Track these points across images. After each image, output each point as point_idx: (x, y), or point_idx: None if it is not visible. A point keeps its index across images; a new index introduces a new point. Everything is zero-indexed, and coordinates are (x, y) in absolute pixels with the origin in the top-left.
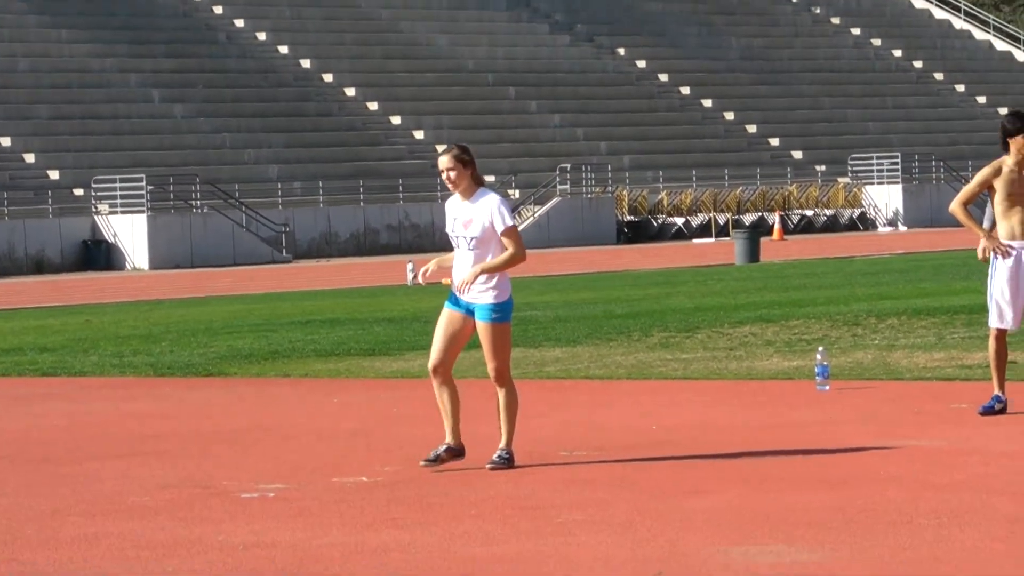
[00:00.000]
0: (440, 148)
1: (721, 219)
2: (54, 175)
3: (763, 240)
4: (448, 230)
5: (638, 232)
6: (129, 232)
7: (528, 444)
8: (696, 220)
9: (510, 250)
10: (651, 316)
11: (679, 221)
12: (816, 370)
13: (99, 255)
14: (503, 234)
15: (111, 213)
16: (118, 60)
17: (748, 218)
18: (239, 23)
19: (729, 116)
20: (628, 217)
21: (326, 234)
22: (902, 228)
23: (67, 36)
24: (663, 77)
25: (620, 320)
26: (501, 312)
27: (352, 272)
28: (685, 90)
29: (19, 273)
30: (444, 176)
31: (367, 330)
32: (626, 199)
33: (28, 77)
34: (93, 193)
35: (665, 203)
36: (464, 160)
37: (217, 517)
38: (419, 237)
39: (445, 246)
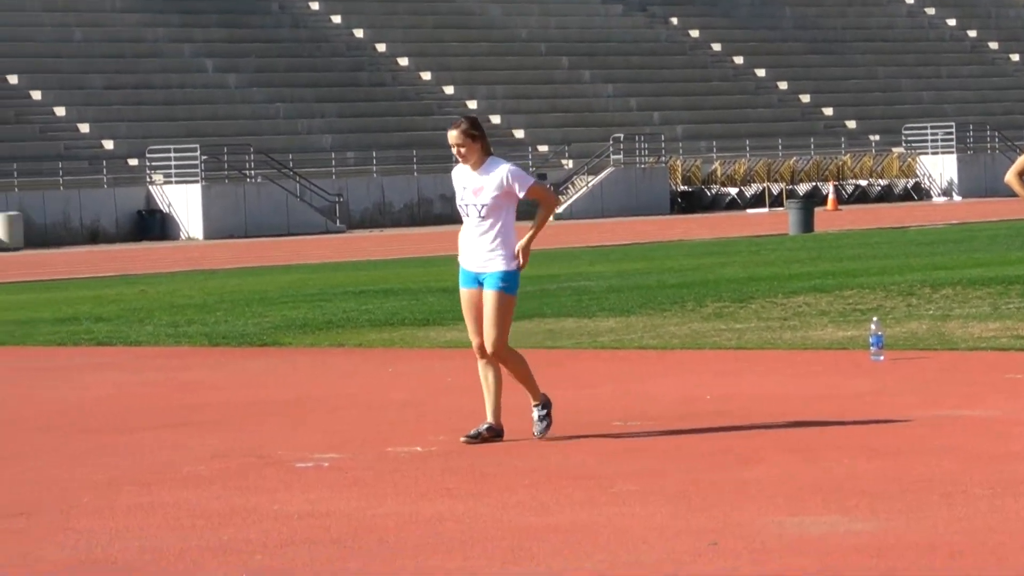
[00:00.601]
0: (495, 119)
1: (775, 189)
2: (108, 145)
3: (817, 210)
4: (458, 200)
5: (691, 202)
6: (183, 202)
7: (581, 414)
8: (750, 190)
9: (545, 203)
10: (705, 286)
11: (732, 191)
12: (870, 340)
13: (153, 225)
14: (530, 192)
15: (165, 183)
16: (171, 30)
17: (802, 188)
18: None
19: (783, 86)
20: (681, 187)
21: (380, 204)
22: (956, 198)
23: (120, 5)
24: (716, 47)
25: (674, 290)
26: (509, 282)
27: (406, 242)
28: (739, 59)
29: (74, 243)
30: (455, 151)
31: (421, 300)
32: (679, 169)
33: (82, 47)
34: (147, 163)
35: (718, 173)
36: (473, 135)
37: (272, 487)
38: None
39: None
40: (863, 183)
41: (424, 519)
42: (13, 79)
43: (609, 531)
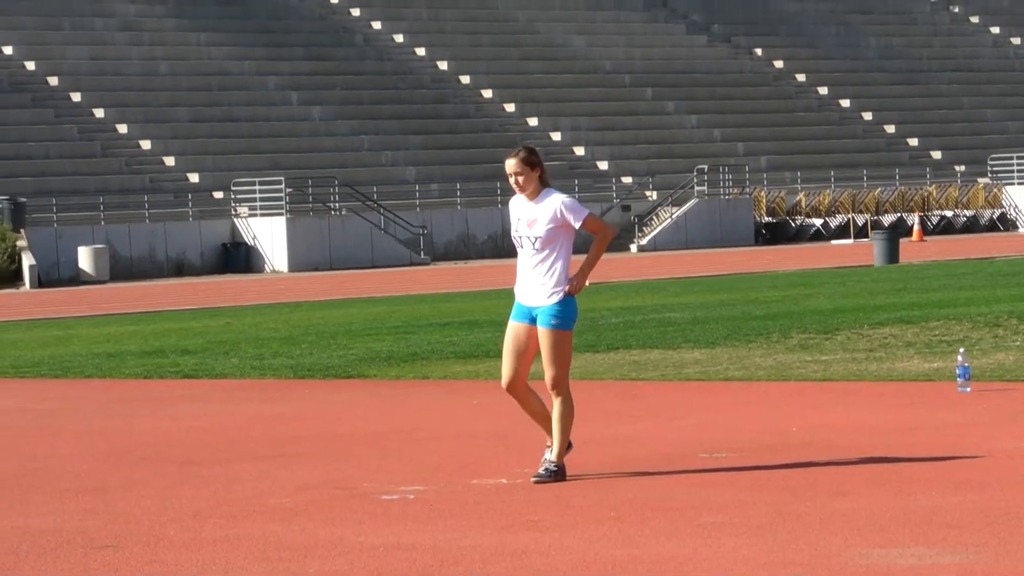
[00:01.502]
0: (579, 151)
1: (860, 220)
2: (194, 178)
3: (902, 241)
4: (512, 231)
5: (776, 233)
6: (268, 234)
7: (667, 446)
8: (834, 221)
9: (600, 234)
10: (790, 317)
11: (817, 222)
12: (957, 372)
13: (238, 257)
14: (585, 223)
15: (250, 216)
16: (256, 63)
17: (887, 219)
18: (376, 25)
19: (867, 116)
20: (766, 218)
21: (464, 236)
22: None
23: (206, 39)
24: (800, 77)
25: (759, 321)
26: (562, 318)
27: (490, 274)
28: (823, 90)
29: (160, 275)
30: (512, 180)
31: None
32: (764, 200)
33: (168, 80)
34: (232, 196)
35: (803, 204)
36: (531, 162)
37: (357, 518)
38: None
39: (583, 247)
40: (948, 214)
41: (509, 552)
42: (100, 113)
43: (695, 563)
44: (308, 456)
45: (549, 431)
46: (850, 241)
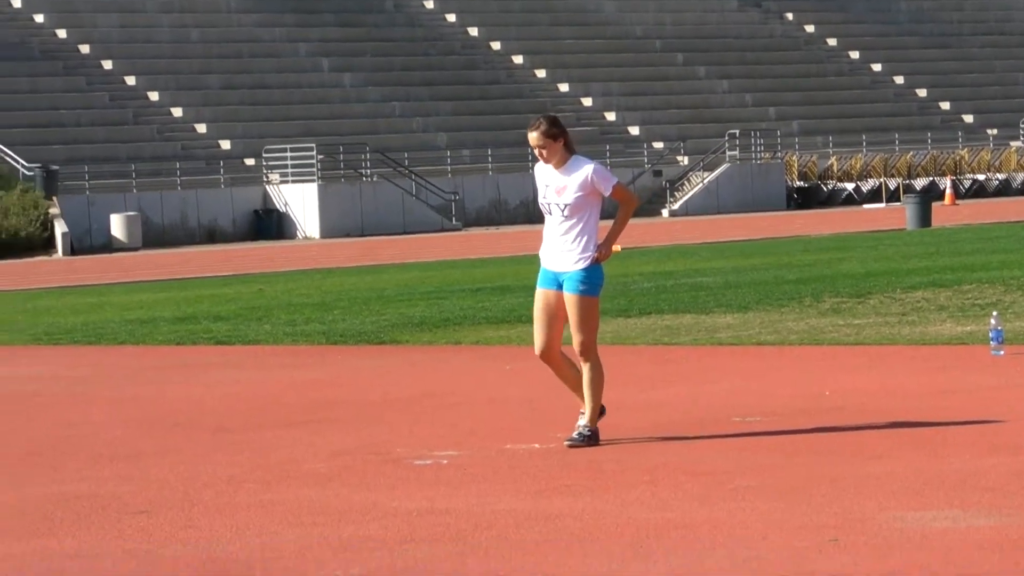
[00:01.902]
0: (610, 116)
1: (892, 184)
2: (225, 145)
3: (935, 205)
4: (540, 198)
5: (808, 198)
6: (300, 201)
7: (700, 410)
8: (866, 185)
9: (626, 202)
10: (822, 281)
11: (849, 186)
12: (990, 335)
13: (270, 224)
14: (614, 193)
15: (282, 182)
16: (287, 30)
17: (919, 183)
18: None
19: (899, 80)
20: (798, 183)
21: (495, 202)
22: None
23: (236, 6)
24: (832, 41)
25: (791, 286)
26: (589, 284)
27: (521, 239)
28: (854, 54)
29: (192, 242)
30: (536, 152)
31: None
32: (795, 165)
33: (199, 48)
34: (264, 163)
35: (835, 168)
36: (553, 134)
37: (391, 484)
38: None
39: (615, 212)
40: (981, 177)
41: (543, 516)
42: (131, 80)
43: (728, 527)
44: (341, 422)
45: (583, 397)
46: (882, 205)
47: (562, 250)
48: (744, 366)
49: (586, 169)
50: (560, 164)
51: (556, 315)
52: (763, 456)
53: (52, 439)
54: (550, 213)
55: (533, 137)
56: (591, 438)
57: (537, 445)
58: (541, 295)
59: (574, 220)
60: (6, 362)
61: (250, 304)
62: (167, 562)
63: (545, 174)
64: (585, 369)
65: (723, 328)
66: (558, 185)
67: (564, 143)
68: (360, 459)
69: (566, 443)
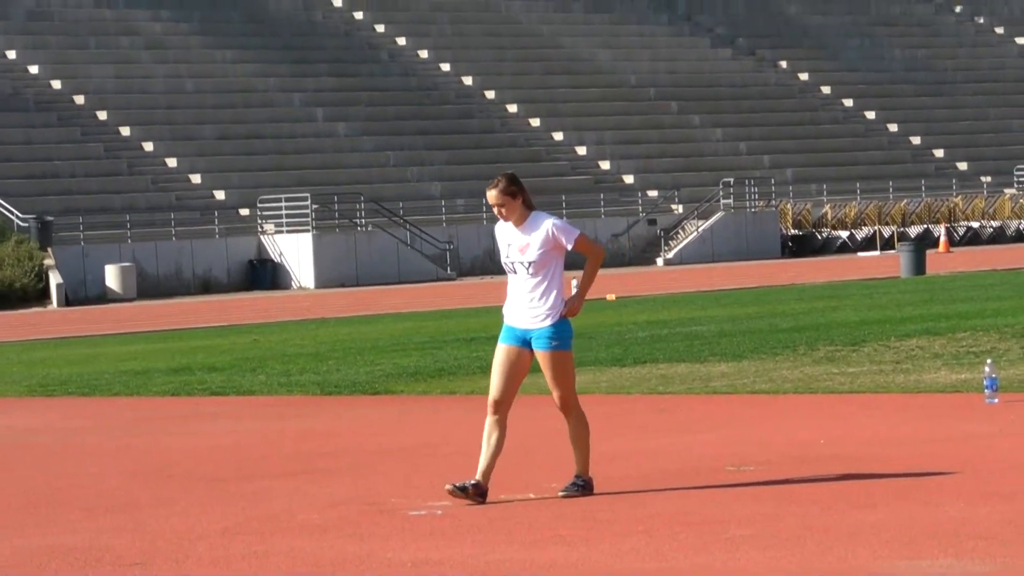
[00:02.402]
0: (604, 165)
1: (886, 232)
2: (220, 195)
3: (929, 252)
4: (503, 258)
5: (802, 245)
6: (295, 251)
7: (694, 460)
8: (861, 233)
9: (592, 254)
10: (816, 330)
11: (843, 234)
12: (985, 383)
13: (265, 274)
14: (576, 245)
15: (276, 232)
16: (281, 80)
17: (913, 230)
18: (401, 41)
19: (893, 128)
20: (792, 231)
21: (490, 251)
22: None
23: (231, 56)
24: (825, 89)
25: (785, 334)
26: (560, 339)
27: None
28: (848, 102)
29: (186, 293)
30: (496, 211)
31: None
32: (790, 213)
33: (193, 98)
34: (258, 213)
35: (829, 216)
36: (512, 191)
37: (385, 534)
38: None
39: (609, 261)
40: (975, 225)
41: (537, 566)
42: (126, 131)
43: None
44: (336, 472)
45: (484, 469)
46: (876, 253)
47: (528, 307)
48: (739, 415)
49: (546, 224)
50: (520, 221)
51: (518, 372)
52: (758, 505)
53: (47, 490)
54: (515, 272)
55: (492, 195)
56: (586, 488)
57: (532, 495)
58: (503, 350)
59: (540, 277)
60: (1, 413)
61: (245, 355)
62: None
63: (506, 233)
64: (570, 423)
65: (718, 377)
66: (520, 244)
67: (523, 200)
68: (355, 510)
69: (560, 494)
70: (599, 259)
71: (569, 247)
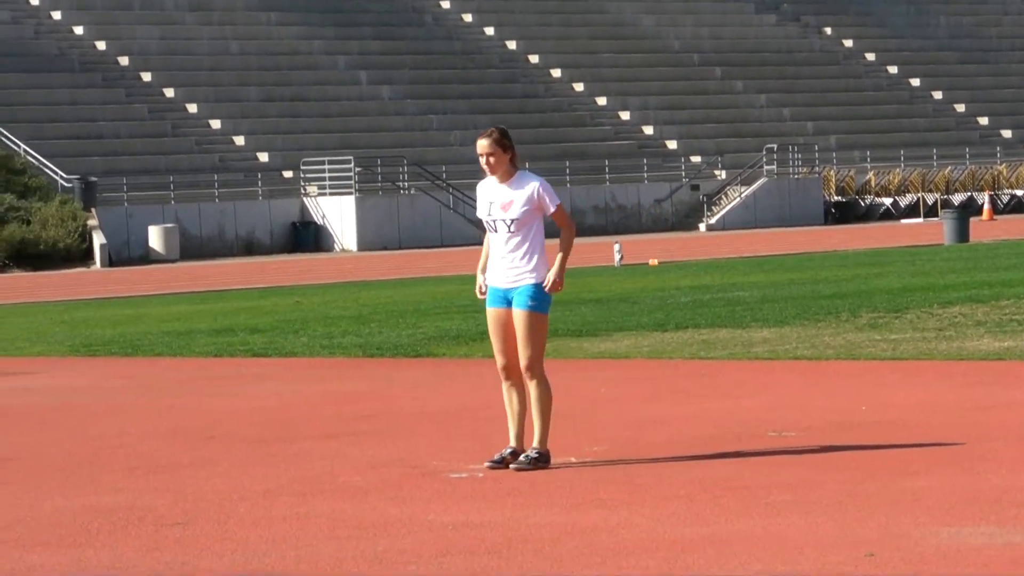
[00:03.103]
0: (648, 130)
1: (930, 199)
2: (263, 157)
3: (972, 220)
4: (483, 214)
5: (845, 212)
6: (337, 214)
7: (736, 425)
8: (904, 200)
9: (567, 228)
10: (859, 296)
11: (887, 201)
12: None
13: (308, 237)
14: (554, 214)
15: (319, 195)
16: (326, 43)
17: (957, 198)
18: (445, 5)
19: (937, 95)
20: (835, 197)
21: None
22: None
23: (276, 19)
24: (870, 56)
25: (828, 300)
26: (538, 300)
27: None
28: (893, 69)
29: (229, 255)
30: (484, 160)
31: (574, 311)
32: (833, 179)
33: (237, 60)
34: (302, 175)
35: (873, 183)
36: (504, 144)
37: (427, 497)
38: (626, 218)
39: (652, 226)
40: (1019, 193)
41: (579, 530)
42: (170, 92)
43: (765, 542)
44: (377, 434)
45: (516, 433)
46: (920, 220)
47: (509, 267)
48: (780, 380)
49: (532, 184)
50: (505, 178)
51: (511, 332)
52: (799, 471)
53: (88, 450)
54: (495, 230)
55: (483, 144)
56: (539, 460)
57: (573, 459)
58: (492, 314)
59: (520, 236)
60: (44, 373)
61: (287, 316)
62: (202, 573)
63: (489, 190)
64: (532, 387)
65: (759, 343)
66: (503, 200)
67: (511, 157)
68: (397, 472)
69: (513, 467)
70: (572, 233)
71: (549, 211)
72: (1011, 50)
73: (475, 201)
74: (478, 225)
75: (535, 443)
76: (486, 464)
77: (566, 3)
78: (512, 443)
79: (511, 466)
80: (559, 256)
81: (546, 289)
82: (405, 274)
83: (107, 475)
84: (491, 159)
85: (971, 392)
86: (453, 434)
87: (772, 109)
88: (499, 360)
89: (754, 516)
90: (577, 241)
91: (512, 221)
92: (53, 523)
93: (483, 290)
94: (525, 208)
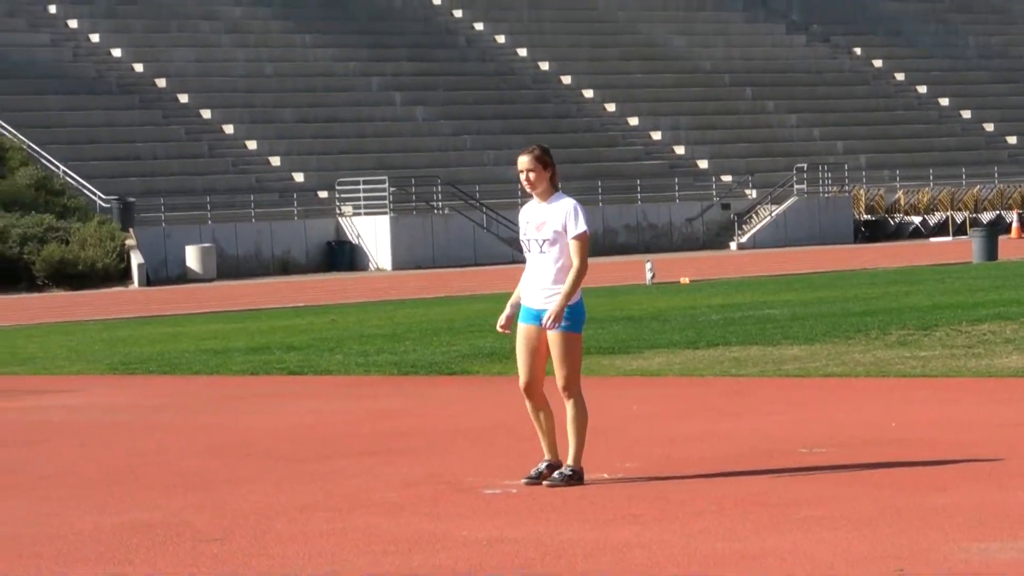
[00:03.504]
0: (679, 150)
1: (958, 217)
2: (299, 178)
3: (1001, 238)
4: (521, 235)
5: (875, 231)
6: (372, 233)
7: (767, 441)
8: (933, 219)
9: (575, 265)
10: (889, 314)
11: (916, 220)
12: None
13: (343, 256)
14: (574, 238)
15: (354, 215)
16: (360, 64)
17: (986, 216)
18: (479, 26)
19: (966, 115)
20: (865, 216)
21: None
22: None
23: (311, 41)
24: (900, 76)
25: (858, 318)
26: (572, 320)
27: (591, 272)
28: (922, 89)
29: (265, 274)
30: (524, 177)
31: (606, 329)
32: (863, 198)
33: (273, 82)
34: (337, 195)
35: (902, 202)
36: (545, 161)
37: (461, 513)
38: (656, 237)
39: (683, 245)
40: None
41: (611, 546)
42: (207, 114)
43: (796, 557)
44: (412, 451)
45: (549, 445)
46: (949, 239)
47: (541, 287)
48: (811, 397)
49: (567, 203)
50: (544, 196)
51: (537, 349)
52: (830, 487)
53: (128, 467)
54: (529, 250)
55: (524, 161)
56: (572, 477)
57: (606, 475)
58: (523, 330)
59: (553, 257)
60: (83, 391)
61: (322, 335)
62: None
63: (528, 211)
64: (569, 407)
65: (790, 360)
66: (537, 221)
67: (551, 175)
68: (431, 488)
69: (546, 484)
70: (582, 271)
71: (573, 233)
72: None
73: (507, 220)
74: (512, 244)
75: (569, 460)
76: (522, 481)
77: (597, 24)
78: (547, 456)
79: (544, 483)
80: (562, 293)
81: (544, 324)
82: (439, 293)
83: (146, 492)
84: (531, 175)
85: (1000, 409)
86: (487, 451)
87: (802, 129)
88: (521, 378)
89: (784, 532)
90: (609, 260)
91: (544, 241)
92: (93, 539)
93: (503, 324)
94: (558, 228)
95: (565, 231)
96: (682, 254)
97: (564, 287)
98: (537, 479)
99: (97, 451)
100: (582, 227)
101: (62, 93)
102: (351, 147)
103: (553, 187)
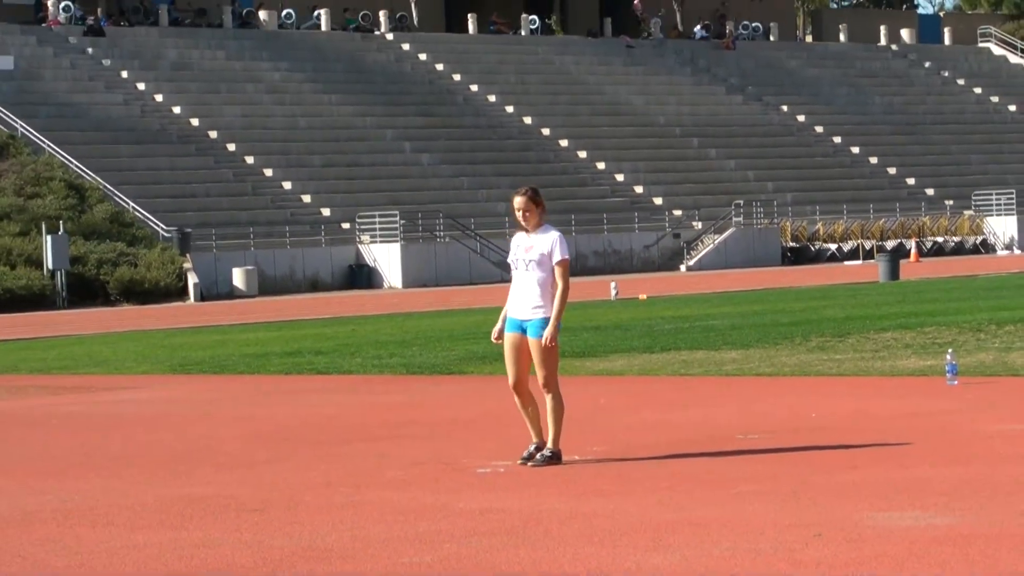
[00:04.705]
0: (638, 189)
1: (867, 245)
2: (326, 212)
3: (902, 262)
4: (510, 259)
5: (799, 256)
6: (386, 258)
7: (710, 429)
8: (847, 246)
9: (560, 286)
10: (810, 324)
11: (832, 247)
12: (946, 368)
13: (362, 277)
14: (557, 263)
15: (371, 242)
16: (377, 119)
17: (889, 244)
18: (474, 88)
19: (873, 160)
20: (791, 243)
21: None
22: (1017, 251)
23: (336, 100)
24: (819, 129)
25: (784, 327)
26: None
27: None
28: (837, 139)
29: (297, 291)
30: (520, 214)
31: (578, 336)
32: (789, 229)
33: (305, 133)
34: (357, 226)
35: (821, 232)
36: (536, 200)
37: (458, 488)
38: (620, 261)
39: (642, 268)
40: (940, 240)
41: (581, 514)
42: (250, 160)
43: (733, 524)
44: (418, 437)
45: (536, 430)
46: (859, 262)
47: (526, 301)
48: (746, 393)
49: (553, 234)
50: (535, 228)
51: (522, 354)
52: (761, 466)
53: (184, 450)
54: (516, 268)
55: (519, 201)
56: (552, 458)
57: (577, 457)
58: (509, 338)
59: (537, 274)
60: (148, 388)
61: (345, 342)
62: (275, 550)
63: (519, 238)
64: (548, 400)
65: (729, 362)
66: (527, 245)
67: (542, 211)
68: (433, 468)
69: (530, 464)
70: (566, 292)
71: (556, 259)
72: (933, 124)
73: (497, 247)
74: (501, 266)
75: (549, 443)
76: (518, 461)
77: (571, 86)
78: (534, 439)
79: (529, 463)
80: (553, 314)
81: (544, 343)
82: (441, 307)
83: (199, 470)
84: (526, 213)
85: (901, 402)
86: (480, 437)
87: (740, 172)
88: (510, 378)
89: (724, 504)
90: (581, 280)
91: (530, 261)
92: (155, 509)
93: (496, 336)
94: (543, 252)
95: (550, 256)
96: (641, 275)
97: (554, 307)
98: (528, 459)
99: (159, 436)
100: (565, 254)
101: (132, 143)
102: (369, 187)
103: (542, 220)
